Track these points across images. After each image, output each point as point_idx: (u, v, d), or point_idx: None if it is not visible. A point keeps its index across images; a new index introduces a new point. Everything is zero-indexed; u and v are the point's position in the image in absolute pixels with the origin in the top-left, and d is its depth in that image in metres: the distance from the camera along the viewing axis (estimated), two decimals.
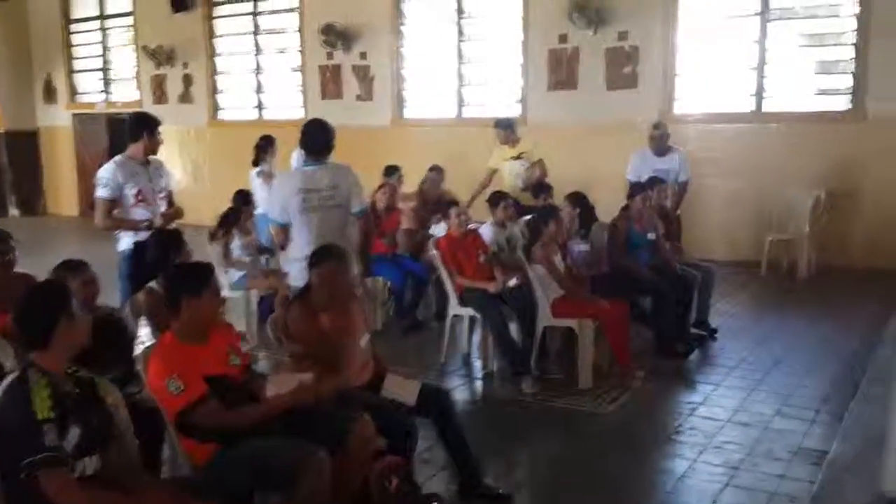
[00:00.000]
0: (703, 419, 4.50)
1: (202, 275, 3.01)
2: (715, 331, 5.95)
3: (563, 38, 9.24)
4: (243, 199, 6.45)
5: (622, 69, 8.99)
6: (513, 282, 5.31)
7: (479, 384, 5.18)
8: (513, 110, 9.69)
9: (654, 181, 6.29)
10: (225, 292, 4.87)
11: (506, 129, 7.62)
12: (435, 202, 6.85)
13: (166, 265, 3.68)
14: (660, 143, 7.00)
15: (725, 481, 3.69)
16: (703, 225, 7.44)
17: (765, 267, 7.92)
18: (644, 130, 7.23)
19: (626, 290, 5.43)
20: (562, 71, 9.30)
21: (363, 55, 10.74)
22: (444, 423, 3.42)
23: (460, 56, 10.30)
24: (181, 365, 2.83)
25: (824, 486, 3.51)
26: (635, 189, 5.97)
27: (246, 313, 5.84)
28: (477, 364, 5.41)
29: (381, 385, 3.43)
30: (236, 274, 5.98)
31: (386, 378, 3.49)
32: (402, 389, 3.39)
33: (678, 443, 4.17)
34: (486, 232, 5.78)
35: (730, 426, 4.31)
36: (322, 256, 3.53)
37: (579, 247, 5.70)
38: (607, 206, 6.17)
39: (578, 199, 5.94)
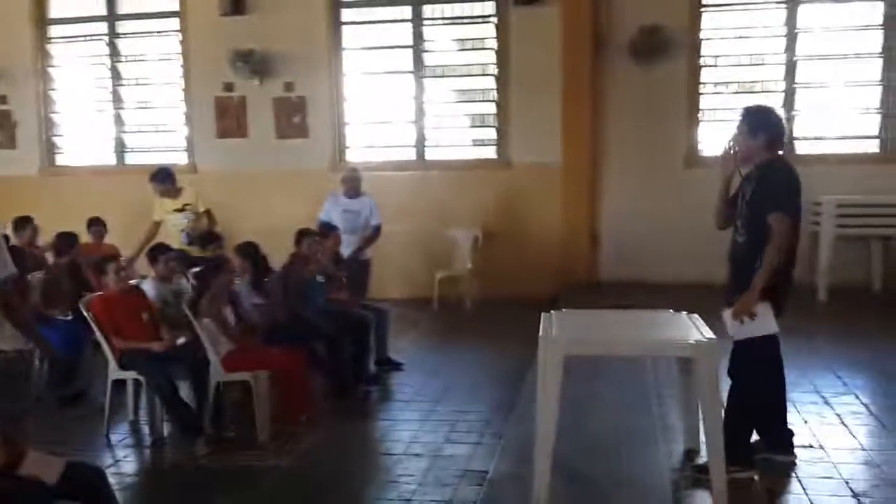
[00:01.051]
0: (381, 455, 4.61)
1: None
2: (400, 365, 6.19)
3: (228, 87, 9.13)
4: None
5: (292, 119, 9.10)
6: (181, 339, 5.02)
7: (147, 452, 4.77)
8: (179, 157, 9.31)
9: (329, 227, 6.46)
10: None
11: (161, 183, 7.23)
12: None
13: None
14: (352, 187, 7.23)
15: None
16: (380, 266, 7.74)
17: (436, 302, 8.46)
18: (321, 177, 7.43)
19: (302, 336, 5.42)
20: (229, 119, 9.16)
21: (2, 99, 9.65)
22: (94, 502, 3.07)
23: (118, 100, 9.69)
24: None
25: None
26: (302, 235, 6.03)
27: None
28: (145, 430, 4.99)
29: (17, 468, 2.99)
30: None
31: (26, 457, 3.05)
32: (41, 469, 2.98)
33: (357, 483, 4.20)
34: (150, 288, 5.40)
35: (405, 458, 4.44)
36: None
37: (251, 297, 5.58)
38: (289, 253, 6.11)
39: (248, 250, 5.82)
